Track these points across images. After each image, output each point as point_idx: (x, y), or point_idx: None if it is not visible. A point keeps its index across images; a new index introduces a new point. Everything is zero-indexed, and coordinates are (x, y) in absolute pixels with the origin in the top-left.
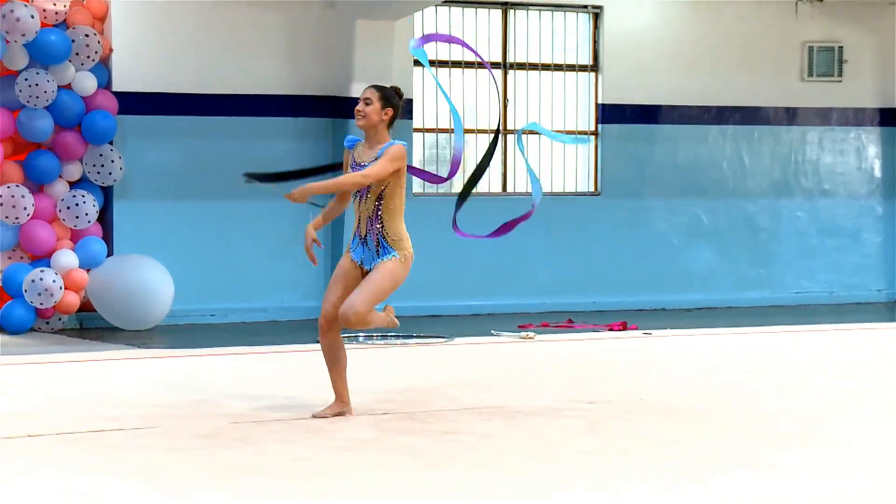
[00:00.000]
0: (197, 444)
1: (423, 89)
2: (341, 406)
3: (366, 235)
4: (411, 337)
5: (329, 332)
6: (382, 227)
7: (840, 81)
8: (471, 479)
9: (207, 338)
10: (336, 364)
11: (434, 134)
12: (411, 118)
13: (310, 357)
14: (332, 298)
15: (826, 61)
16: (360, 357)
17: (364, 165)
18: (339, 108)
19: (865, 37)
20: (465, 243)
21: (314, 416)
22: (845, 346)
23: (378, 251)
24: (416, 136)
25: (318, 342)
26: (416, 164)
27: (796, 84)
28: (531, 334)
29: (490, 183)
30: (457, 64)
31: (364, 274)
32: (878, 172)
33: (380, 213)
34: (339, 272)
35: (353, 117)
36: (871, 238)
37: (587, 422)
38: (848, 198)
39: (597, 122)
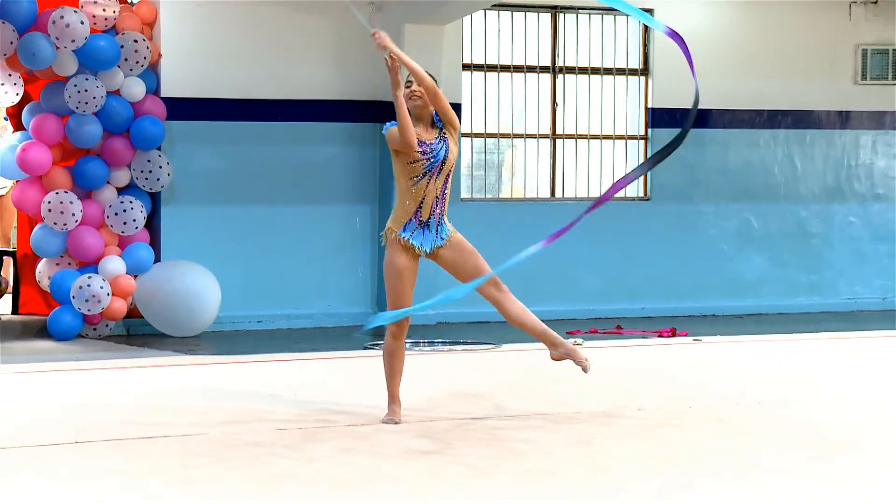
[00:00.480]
0: (243, 451)
1: (471, 93)
2: (398, 409)
3: (429, 218)
4: (458, 343)
5: (402, 336)
6: (445, 204)
7: (894, 84)
8: (520, 488)
9: (254, 344)
10: (400, 368)
11: (482, 139)
12: (460, 123)
13: (356, 363)
14: (408, 301)
15: (880, 64)
16: (407, 364)
17: (431, 143)
18: (387, 112)
19: None
20: (511, 247)
21: (383, 422)
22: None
23: (438, 230)
24: (465, 141)
25: (366, 348)
26: (465, 168)
27: (849, 87)
28: (579, 341)
29: (539, 188)
30: (506, 68)
31: (416, 261)
32: None
33: (446, 191)
34: (401, 272)
35: None
36: None
37: (636, 429)
38: None
39: (647, 127)
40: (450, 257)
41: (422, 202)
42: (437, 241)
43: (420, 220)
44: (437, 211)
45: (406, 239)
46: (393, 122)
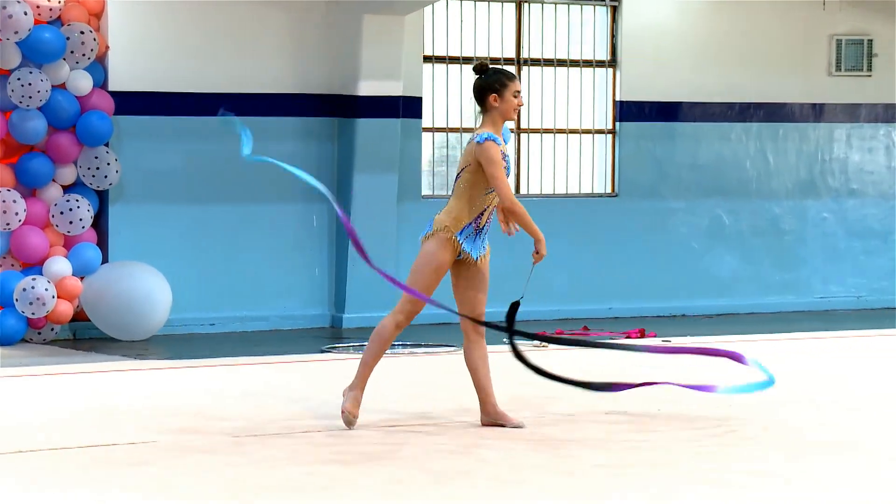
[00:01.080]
0: (197, 458)
1: (433, 87)
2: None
3: (483, 227)
4: (419, 346)
5: (404, 325)
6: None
7: (869, 76)
8: (483, 495)
9: (206, 348)
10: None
11: (445, 133)
12: (420, 117)
13: (313, 367)
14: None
15: (855, 55)
16: None
17: (507, 154)
18: (346, 106)
19: None
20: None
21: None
22: (873, 354)
23: (483, 242)
24: (426, 136)
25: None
26: (426, 164)
27: (823, 79)
28: (545, 343)
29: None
30: (469, 60)
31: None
32: None
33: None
34: (440, 268)
35: (361, 116)
36: None
37: (603, 433)
38: (877, 198)
39: (614, 120)
40: (469, 272)
41: (483, 212)
42: (481, 251)
43: (477, 228)
44: (489, 223)
45: (460, 242)
46: (489, 134)
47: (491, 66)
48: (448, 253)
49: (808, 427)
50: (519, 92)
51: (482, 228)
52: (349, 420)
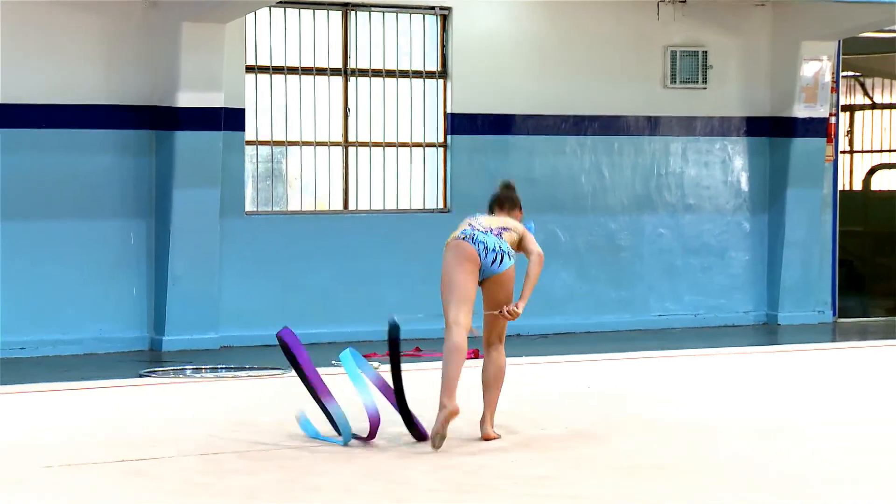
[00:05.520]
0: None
1: (256, 97)
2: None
3: None
4: (244, 369)
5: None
6: None
7: (705, 88)
8: None
9: (15, 374)
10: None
11: (269, 147)
12: (243, 130)
13: (130, 392)
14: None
15: (690, 67)
16: (190, 391)
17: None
18: (164, 118)
19: (731, 41)
20: (301, 263)
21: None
22: (710, 373)
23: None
24: (249, 149)
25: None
26: (249, 178)
27: (658, 91)
28: (375, 364)
29: (330, 200)
30: (293, 70)
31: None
32: (744, 186)
33: None
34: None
35: (181, 128)
36: (739, 256)
37: (436, 457)
38: (714, 213)
39: (446, 133)
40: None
41: None
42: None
43: None
44: None
45: None
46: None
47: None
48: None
49: (650, 450)
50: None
51: None
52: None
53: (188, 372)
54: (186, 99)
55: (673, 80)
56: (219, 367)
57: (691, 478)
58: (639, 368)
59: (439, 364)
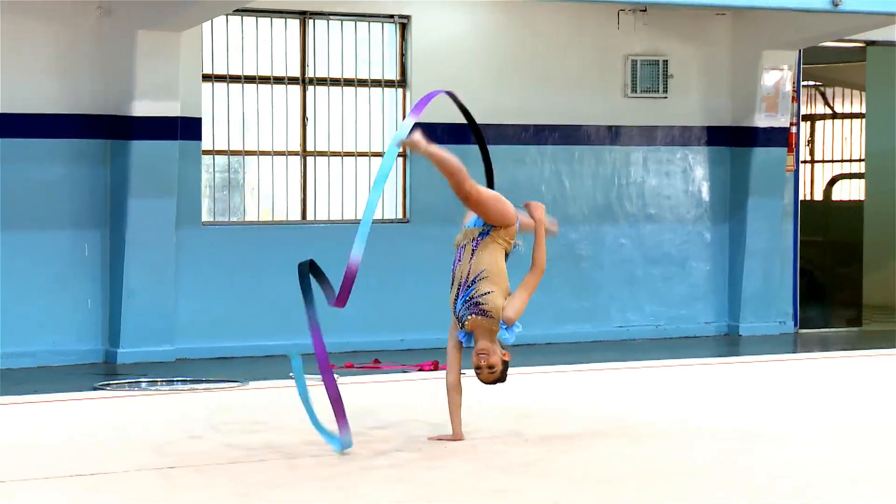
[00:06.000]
0: None
1: (213, 107)
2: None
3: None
4: (200, 382)
5: None
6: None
7: (665, 97)
8: None
9: None
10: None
11: (226, 156)
12: (200, 139)
13: (85, 406)
14: None
15: (650, 76)
16: (146, 405)
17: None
18: (119, 127)
19: (692, 50)
20: (259, 274)
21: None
22: (673, 384)
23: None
24: (206, 159)
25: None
26: (206, 188)
27: (619, 100)
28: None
29: (288, 210)
30: (251, 79)
31: None
32: (705, 195)
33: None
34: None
35: (136, 137)
36: (700, 266)
37: (395, 471)
38: (674, 223)
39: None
40: None
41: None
42: None
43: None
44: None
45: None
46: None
47: None
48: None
49: (616, 460)
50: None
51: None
52: None
53: (143, 385)
54: (142, 108)
55: (633, 90)
56: (175, 379)
57: (675, 480)
58: (600, 380)
59: (398, 376)
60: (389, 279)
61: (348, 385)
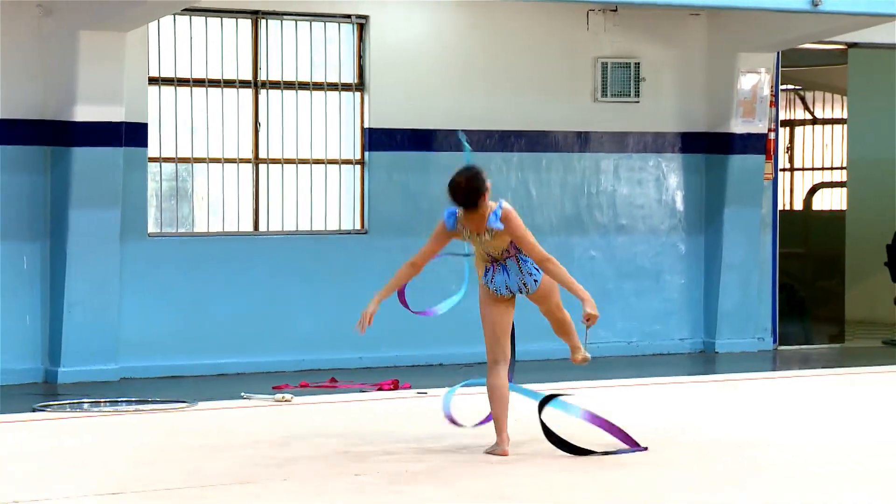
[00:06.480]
0: None
1: (159, 111)
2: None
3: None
4: (145, 402)
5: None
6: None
7: (637, 102)
8: None
9: None
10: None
11: (173, 164)
12: (146, 146)
13: (24, 428)
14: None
15: (622, 79)
16: (88, 427)
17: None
18: (60, 133)
19: (665, 52)
20: (208, 289)
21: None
22: (644, 403)
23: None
24: (152, 167)
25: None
26: (152, 198)
27: (589, 105)
28: (288, 396)
29: (240, 220)
30: (199, 82)
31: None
32: (680, 205)
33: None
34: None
35: (78, 144)
36: (674, 280)
37: (354, 496)
38: (647, 234)
39: (363, 150)
40: (534, 297)
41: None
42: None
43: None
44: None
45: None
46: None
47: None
48: (483, 293)
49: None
50: None
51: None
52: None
53: (86, 406)
54: (84, 113)
55: (604, 94)
56: (119, 400)
57: (664, 470)
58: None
59: (355, 395)
60: (347, 294)
61: (300, 406)
